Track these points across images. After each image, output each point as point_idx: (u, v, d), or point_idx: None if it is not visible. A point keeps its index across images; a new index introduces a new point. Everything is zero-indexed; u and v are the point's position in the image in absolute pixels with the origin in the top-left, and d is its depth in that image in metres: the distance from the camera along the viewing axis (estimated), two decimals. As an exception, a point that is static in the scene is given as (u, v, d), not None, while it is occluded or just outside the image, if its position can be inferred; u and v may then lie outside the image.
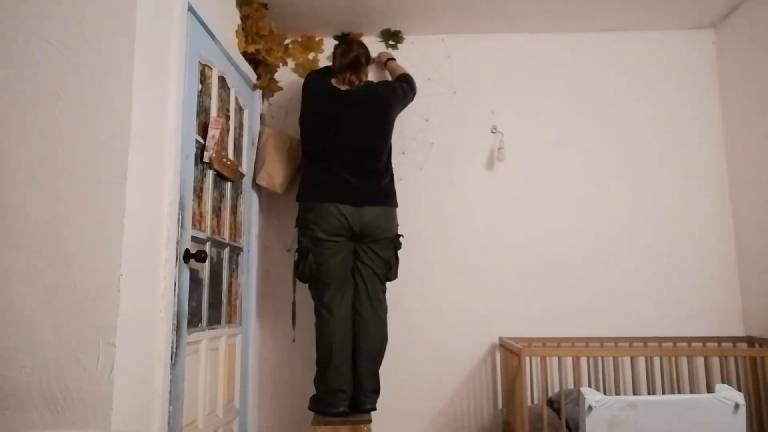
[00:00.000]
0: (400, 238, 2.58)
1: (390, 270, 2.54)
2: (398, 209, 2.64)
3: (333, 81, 2.63)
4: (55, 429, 1.52)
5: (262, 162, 2.81)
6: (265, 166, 2.79)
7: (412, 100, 2.79)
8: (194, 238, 2.11)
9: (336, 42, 3.11)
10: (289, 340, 2.91)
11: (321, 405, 2.40)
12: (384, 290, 2.56)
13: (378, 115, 2.58)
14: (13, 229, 1.63)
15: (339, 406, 2.36)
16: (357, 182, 2.47)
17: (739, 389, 2.61)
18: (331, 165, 2.49)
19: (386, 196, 2.55)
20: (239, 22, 2.77)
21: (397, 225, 2.58)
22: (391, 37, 3.12)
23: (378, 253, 2.49)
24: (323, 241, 2.43)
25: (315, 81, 2.66)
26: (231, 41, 2.60)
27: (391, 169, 2.65)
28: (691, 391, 2.72)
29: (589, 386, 2.74)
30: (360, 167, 2.51)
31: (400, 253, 2.59)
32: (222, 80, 2.47)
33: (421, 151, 3.07)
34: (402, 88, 2.72)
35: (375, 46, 3.13)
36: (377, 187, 2.53)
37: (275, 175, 2.78)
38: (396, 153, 2.88)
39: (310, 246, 2.44)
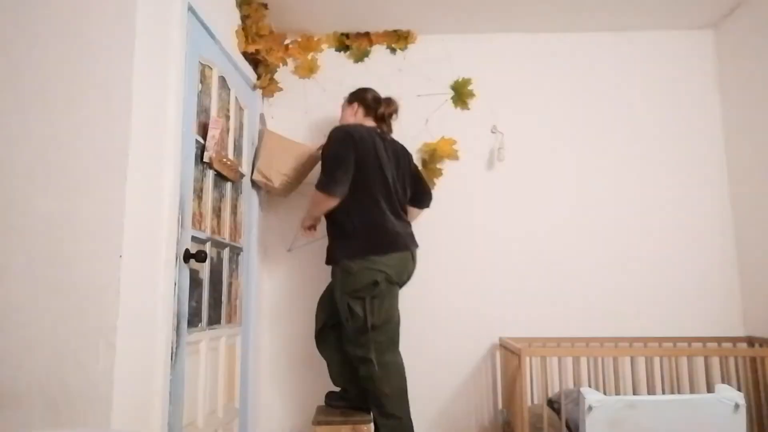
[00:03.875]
0: None
1: None
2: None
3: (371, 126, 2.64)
4: (55, 429, 1.52)
5: (258, 160, 2.80)
6: (261, 163, 2.78)
7: (425, 205, 2.85)
8: (194, 238, 2.11)
9: (336, 44, 3.13)
10: (290, 340, 2.92)
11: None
12: None
13: (409, 164, 2.68)
14: (13, 228, 1.63)
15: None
16: (405, 226, 2.52)
17: (739, 389, 2.61)
18: (384, 211, 2.45)
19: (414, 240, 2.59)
20: (239, 22, 2.77)
21: None
22: (401, 38, 3.11)
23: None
24: (393, 284, 2.43)
25: (358, 130, 2.53)
26: (231, 41, 2.60)
27: None
28: (691, 391, 2.72)
29: (589, 386, 2.74)
30: (402, 211, 2.56)
31: None
32: (222, 80, 2.47)
33: (421, 151, 3.06)
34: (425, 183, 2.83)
35: (380, 49, 3.14)
36: (411, 230, 2.57)
37: (271, 171, 2.77)
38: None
39: (385, 289, 2.39)
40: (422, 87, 3.11)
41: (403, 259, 2.43)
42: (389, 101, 2.69)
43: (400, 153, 2.64)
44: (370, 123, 2.64)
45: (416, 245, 2.53)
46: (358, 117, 2.66)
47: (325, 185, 2.41)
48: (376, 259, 2.35)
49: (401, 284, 2.50)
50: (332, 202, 2.42)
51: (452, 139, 3.06)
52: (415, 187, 2.70)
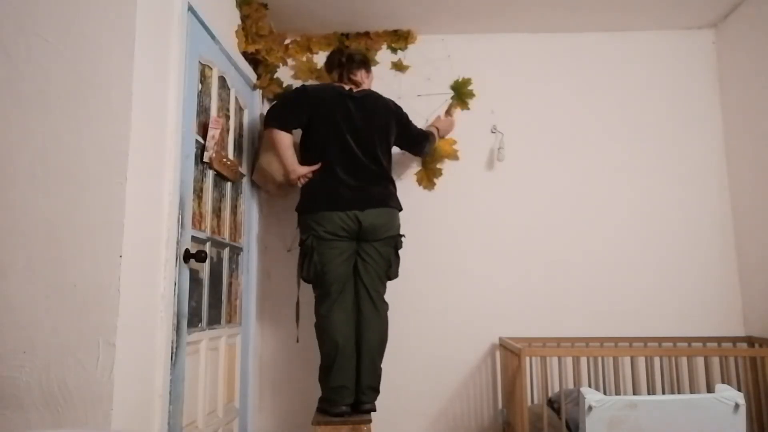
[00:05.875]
0: (402, 238, 2.58)
1: (390, 268, 2.53)
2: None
3: (333, 82, 2.63)
4: (55, 429, 1.52)
5: (258, 160, 2.80)
6: (261, 165, 2.77)
7: (423, 151, 2.87)
8: (194, 238, 2.11)
9: (336, 45, 3.12)
10: (290, 340, 2.92)
11: (325, 404, 2.40)
12: (384, 289, 2.56)
13: (383, 118, 2.59)
14: (12, 228, 1.63)
15: (342, 404, 2.35)
16: (362, 186, 2.46)
17: (739, 389, 2.61)
18: (335, 171, 2.46)
19: (390, 200, 2.54)
20: (239, 22, 2.77)
21: (399, 225, 2.58)
22: (401, 38, 3.11)
23: (379, 251, 2.49)
24: (327, 240, 2.41)
25: (313, 87, 2.62)
26: (231, 41, 2.60)
27: (391, 175, 2.64)
28: (691, 391, 2.71)
29: (589, 386, 2.74)
30: (365, 171, 2.49)
31: (400, 252, 2.59)
32: (222, 80, 2.47)
33: (421, 151, 3.06)
34: (417, 128, 2.80)
35: (380, 49, 3.13)
36: (382, 191, 2.52)
37: (270, 174, 2.76)
38: (396, 152, 2.87)
39: (314, 245, 2.41)
40: (422, 87, 3.11)
41: (336, 217, 2.39)
42: (333, 55, 2.69)
43: (378, 108, 2.59)
44: (333, 78, 2.65)
45: (374, 205, 2.45)
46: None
47: (266, 121, 2.55)
48: (308, 217, 2.45)
49: (345, 237, 2.42)
50: (278, 136, 2.50)
51: (452, 139, 3.06)
52: (405, 137, 2.73)
